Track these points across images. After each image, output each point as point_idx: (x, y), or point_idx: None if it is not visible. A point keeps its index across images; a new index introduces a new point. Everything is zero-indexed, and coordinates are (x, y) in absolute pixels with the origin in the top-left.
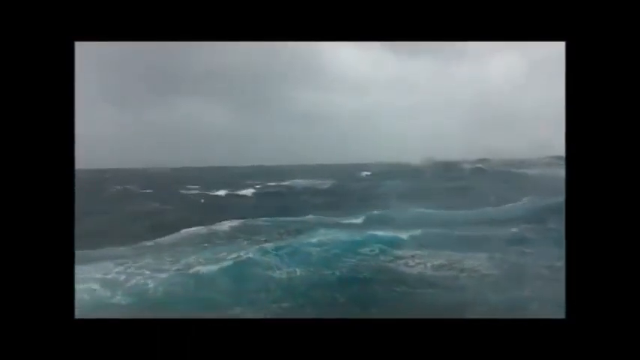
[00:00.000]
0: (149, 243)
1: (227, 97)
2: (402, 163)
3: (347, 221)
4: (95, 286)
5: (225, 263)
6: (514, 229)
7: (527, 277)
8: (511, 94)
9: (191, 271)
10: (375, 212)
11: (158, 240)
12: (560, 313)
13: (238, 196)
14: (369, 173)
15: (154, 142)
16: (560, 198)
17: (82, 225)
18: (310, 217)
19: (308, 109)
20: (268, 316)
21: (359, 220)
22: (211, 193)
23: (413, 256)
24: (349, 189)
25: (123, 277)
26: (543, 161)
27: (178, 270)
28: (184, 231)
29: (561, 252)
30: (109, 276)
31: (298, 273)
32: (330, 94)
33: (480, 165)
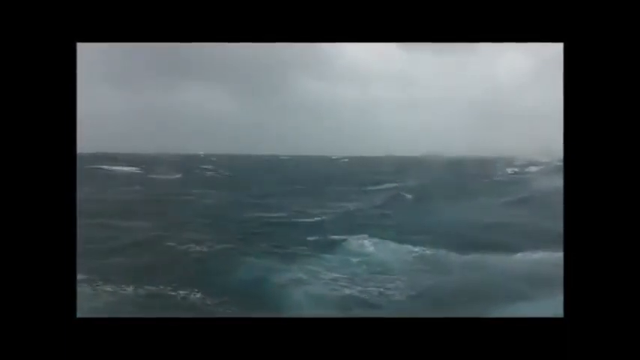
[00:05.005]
0: None
1: (230, 85)
2: (411, 156)
3: None
4: None
5: None
6: None
7: None
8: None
9: None
10: None
11: None
12: None
13: None
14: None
15: (157, 127)
16: None
17: None
18: None
19: (314, 100)
20: None
21: None
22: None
23: None
24: None
25: None
26: None
27: None
28: None
29: None
30: None
31: None
32: (336, 85)
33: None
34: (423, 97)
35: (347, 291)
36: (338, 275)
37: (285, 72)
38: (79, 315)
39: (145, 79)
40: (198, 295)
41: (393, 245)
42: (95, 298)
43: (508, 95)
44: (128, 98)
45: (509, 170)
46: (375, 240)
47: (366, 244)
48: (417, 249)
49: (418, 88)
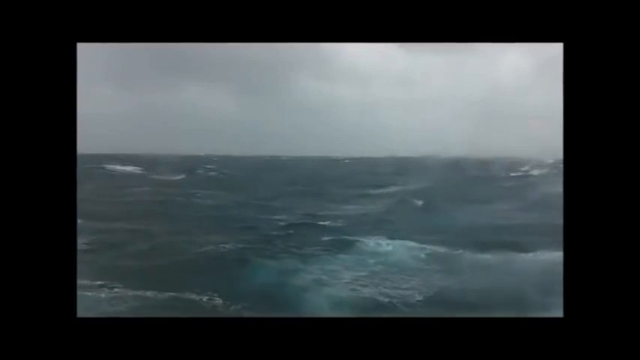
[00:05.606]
0: None
1: (231, 85)
2: (414, 157)
3: None
4: None
5: None
6: None
7: None
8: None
9: None
10: None
11: None
12: None
13: None
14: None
15: (156, 128)
16: None
17: None
18: None
19: (315, 101)
20: None
21: None
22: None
23: None
24: None
25: None
26: None
27: None
28: None
29: None
30: None
31: None
32: (337, 86)
33: None
34: (424, 97)
35: (366, 290)
36: (358, 274)
37: (286, 72)
38: (79, 315)
39: (145, 80)
40: (220, 301)
41: (410, 244)
42: (118, 302)
43: (510, 95)
44: (127, 98)
45: (514, 173)
46: (391, 241)
47: (383, 244)
48: (428, 247)
49: (419, 88)
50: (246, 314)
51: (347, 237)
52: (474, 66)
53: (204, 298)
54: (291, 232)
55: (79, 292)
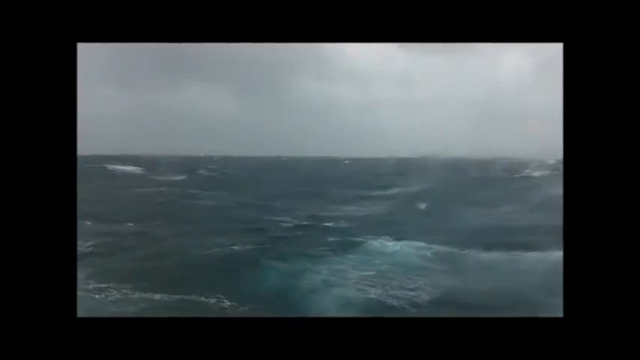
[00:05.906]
0: None
1: (231, 85)
2: (415, 158)
3: None
4: None
5: None
6: None
7: None
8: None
9: None
10: None
11: None
12: None
13: None
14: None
15: (156, 128)
16: None
17: None
18: None
19: (315, 101)
20: None
21: None
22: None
23: None
24: None
25: None
26: None
27: None
28: None
29: None
30: None
31: None
32: (338, 86)
33: None
34: (424, 97)
35: (373, 290)
36: (365, 274)
37: (286, 73)
38: (79, 315)
39: (145, 80)
40: (228, 303)
41: (416, 245)
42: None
43: (510, 95)
44: (127, 98)
45: (515, 174)
46: (397, 242)
47: (389, 245)
48: (434, 247)
49: (419, 88)
50: (253, 315)
51: (352, 238)
52: (474, 66)
53: (212, 300)
54: (296, 233)
55: (85, 295)
